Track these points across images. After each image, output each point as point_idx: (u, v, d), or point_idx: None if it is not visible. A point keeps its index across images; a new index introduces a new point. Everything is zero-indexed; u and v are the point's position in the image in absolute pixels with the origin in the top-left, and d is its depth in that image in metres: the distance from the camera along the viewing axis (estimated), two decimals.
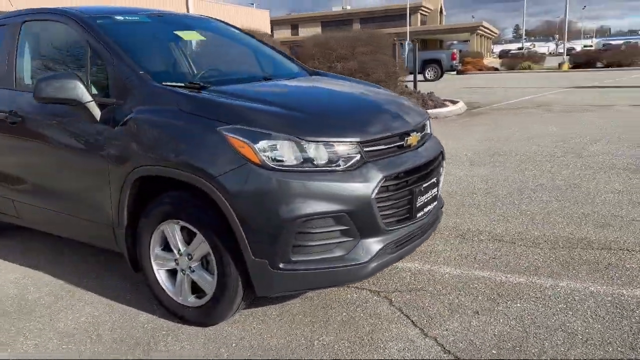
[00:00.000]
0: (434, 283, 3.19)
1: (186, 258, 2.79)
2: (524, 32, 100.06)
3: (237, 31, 4.15)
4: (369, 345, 2.57)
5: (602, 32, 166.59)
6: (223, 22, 4.19)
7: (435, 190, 3.06)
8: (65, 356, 2.65)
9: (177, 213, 2.73)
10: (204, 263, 2.79)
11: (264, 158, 2.45)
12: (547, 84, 19.84)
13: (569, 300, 2.91)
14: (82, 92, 2.88)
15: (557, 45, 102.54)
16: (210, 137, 2.55)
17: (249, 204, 2.45)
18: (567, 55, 35.91)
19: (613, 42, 75.84)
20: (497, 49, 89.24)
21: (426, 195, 2.92)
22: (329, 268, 2.55)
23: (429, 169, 2.95)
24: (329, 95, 3.27)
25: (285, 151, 2.48)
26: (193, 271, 2.79)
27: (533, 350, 2.45)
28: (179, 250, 2.80)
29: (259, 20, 34.55)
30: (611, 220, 4.12)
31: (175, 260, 2.85)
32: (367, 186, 2.54)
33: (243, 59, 3.90)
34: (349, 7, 62.85)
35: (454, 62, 26.48)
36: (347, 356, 2.49)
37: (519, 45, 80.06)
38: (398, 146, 2.81)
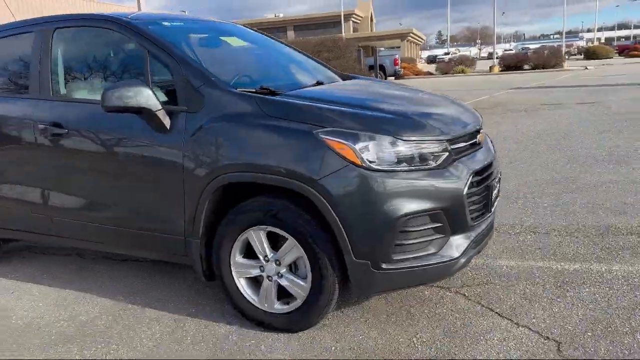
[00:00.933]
0: (497, 276, 3.30)
1: (274, 264, 2.75)
2: (448, 38, 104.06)
3: (265, 37, 4.13)
4: (469, 338, 2.63)
5: (517, 37, 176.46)
6: (250, 28, 4.15)
7: (499, 184, 3.18)
8: None
9: (266, 219, 2.68)
10: (292, 268, 2.76)
11: (365, 159, 2.47)
12: (490, 85, 20.80)
13: (630, 282, 3.10)
14: (153, 100, 2.78)
15: (479, 49, 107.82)
16: (307, 141, 2.53)
17: (352, 205, 2.46)
18: (496, 58, 37.72)
19: (530, 46, 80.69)
20: (424, 54, 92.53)
21: (496, 190, 3.04)
22: (425, 265, 2.59)
23: (495, 164, 3.07)
24: (397, 96, 3.31)
25: (384, 151, 2.51)
26: (281, 277, 2.75)
27: (624, 330, 2.60)
28: (266, 256, 2.76)
29: None
30: (624, 208, 4.42)
31: (261, 267, 2.79)
32: (459, 183, 2.61)
33: (284, 63, 3.87)
34: (281, 15, 63.09)
35: (397, 67, 27.23)
36: (452, 350, 2.54)
37: (445, 50, 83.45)
38: (472, 144, 2.90)
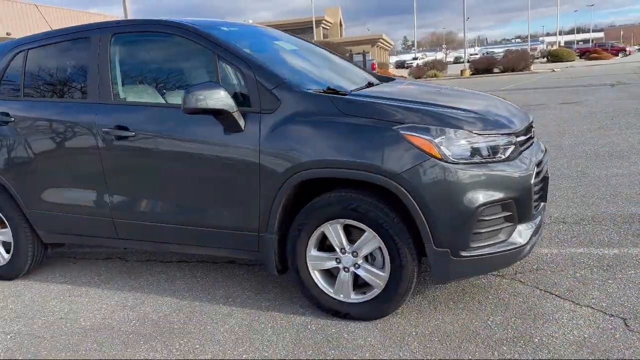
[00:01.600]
0: (545, 263, 3.50)
1: (351, 256, 2.87)
2: (415, 44, 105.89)
3: (304, 40, 4.27)
4: (540, 319, 2.81)
5: (480, 41, 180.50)
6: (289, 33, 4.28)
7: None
8: None
9: (346, 213, 2.80)
10: (369, 259, 2.89)
11: (444, 152, 2.63)
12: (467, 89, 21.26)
13: None
14: (230, 101, 2.89)
15: (446, 54, 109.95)
16: (387, 136, 2.68)
17: (434, 196, 2.62)
18: (467, 62, 38.59)
19: (495, 50, 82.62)
20: (392, 59, 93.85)
21: (548, 180, 3.24)
22: (498, 252, 2.76)
23: (545, 157, 3.27)
24: (453, 94, 3.48)
25: (460, 145, 2.68)
26: (358, 267, 2.88)
27: None
28: (342, 248, 2.88)
29: None
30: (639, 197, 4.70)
31: (337, 259, 2.92)
32: (528, 173, 2.80)
33: (330, 65, 4.00)
34: (250, 21, 63.06)
35: (374, 72, 27.57)
36: (528, 330, 2.71)
37: (413, 55, 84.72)
38: (528, 137, 3.10)
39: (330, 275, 3.02)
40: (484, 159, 2.70)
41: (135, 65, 3.50)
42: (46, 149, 3.54)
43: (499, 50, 76.31)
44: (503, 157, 2.76)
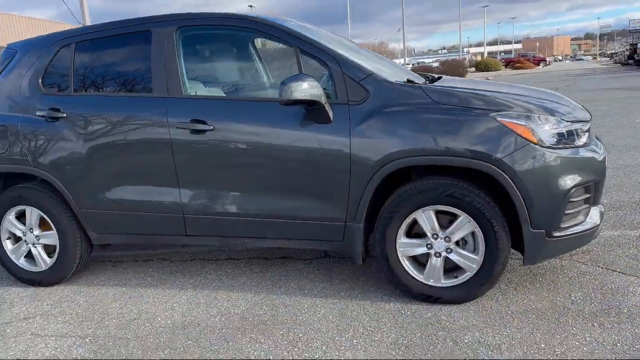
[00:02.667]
0: (601, 245, 3.72)
1: (443, 241, 2.98)
2: None
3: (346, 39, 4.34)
4: (617, 292, 3.03)
5: (408, 52, 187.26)
6: None
7: None
8: None
9: (441, 199, 2.91)
10: (460, 243, 3.01)
11: (540, 137, 2.81)
12: None
13: None
14: (322, 93, 2.93)
15: None
16: (486, 124, 2.82)
17: (532, 180, 2.78)
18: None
19: (425, 60, 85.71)
20: None
21: None
22: (581, 232, 2.97)
23: None
24: (522, 87, 3.63)
25: (552, 131, 2.86)
26: (450, 252, 2.99)
27: None
28: (435, 234, 2.98)
29: None
30: None
31: (428, 244, 3.01)
32: (603, 159, 3.03)
33: (382, 61, 4.08)
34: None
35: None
36: (612, 302, 2.92)
37: None
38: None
39: (416, 261, 3.11)
40: (568, 144, 2.90)
41: (204, 58, 3.45)
42: (106, 146, 3.40)
43: (429, 60, 79.33)
44: (580, 143, 2.97)
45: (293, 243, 3.31)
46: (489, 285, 2.99)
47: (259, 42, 3.31)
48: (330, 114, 2.99)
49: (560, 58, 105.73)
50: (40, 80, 3.59)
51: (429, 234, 3.00)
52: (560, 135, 2.88)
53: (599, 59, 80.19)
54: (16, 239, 3.79)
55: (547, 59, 67.03)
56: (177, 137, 3.24)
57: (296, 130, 3.06)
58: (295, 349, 2.71)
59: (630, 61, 30.47)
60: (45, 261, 3.70)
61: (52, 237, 3.65)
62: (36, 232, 3.67)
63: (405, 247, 3.05)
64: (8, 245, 3.77)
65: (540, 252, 2.91)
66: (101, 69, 3.56)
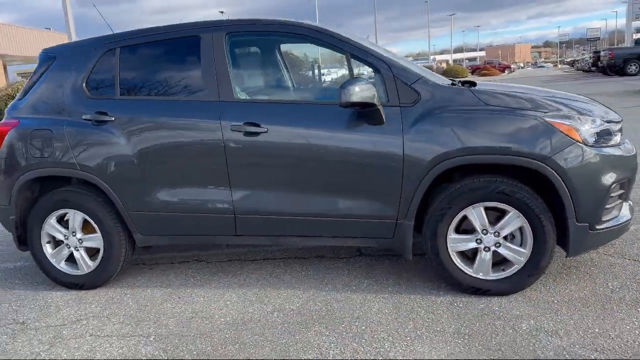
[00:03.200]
0: (623, 239, 3.90)
1: (492, 236, 3.15)
2: (319, 61, 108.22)
3: None
4: None
5: None
6: None
7: None
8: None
9: (492, 195, 3.08)
10: (508, 238, 3.18)
11: (584, 137, 3.02)
12: None
13: None
14: (377, 96, 3.07)
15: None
16: (535, 124, 3.01)
17: (578, 176, 2.98)
18: None
19: None
20: None
21: None
22: (617, 225, 3.19)
23: None
24: (558, 92, 3.83)
25: (593, 130, 3.08)
26: (499, 246, 3.16)
27: None
28: (485, 229, 3.15)
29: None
30: None
31: (477, 239, 3.18)
32: (635, 156, 3.26)
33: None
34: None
35: None
36: None
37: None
38: None
39: (464, 256, 3.27)
40: (606, 143, 3.12)
41: (252, 63, 3.54)
42: (156, 148, 3.45)
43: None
44: (616, 142, 3.19)
45: (343, 241, 3.43)
46: (536, 277, 3.17)
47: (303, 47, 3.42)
48: (384, 116, 3.13)
49: (522, 65, 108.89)
50: (84, 85, 3.62)
51: (478, 230, 3.16)
52: (598, 134, 3.09)
53: (559, 66, 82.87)
54: (56, 243, 3.79)
55: (512, 66, 68.90)
56: (230, 139, 3.32)
57: (349, 132, 3.19)
58: (363, 341, 2.82)
59: (593, 68, 31.64)
60: (87, 264, 3.71)
61: (96, 240, 3.67)
62: (79, 235, 3.68)
63: (455, 243, 3.20)
64: (48, 249, 3.76)
65: (583, 245, 3.12)
66: (148, 73, 3.61)
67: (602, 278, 3.36)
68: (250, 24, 3.49)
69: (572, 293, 3.19)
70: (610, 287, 3.23)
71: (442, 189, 3.20)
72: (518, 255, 3.14)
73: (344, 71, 3.67)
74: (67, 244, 3.72)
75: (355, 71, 3.41)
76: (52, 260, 3.76)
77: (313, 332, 2.95)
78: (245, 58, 3.51)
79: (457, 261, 3.23)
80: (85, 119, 3.55)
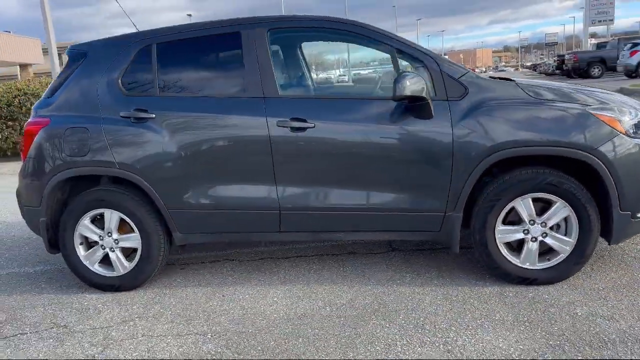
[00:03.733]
0: None
1: (539, 226, 3.24)
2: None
3: None
4: None
5: (343, 63, 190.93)
6: None
7: None
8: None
9: (541, 187, 3.16)
10: (554, 228, 3.26)
11: (626, 128, 3.14)
12: None
13: None
14: (427, 89, 3.13)
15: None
16: (582, 117, 3.12)
17: (623, 166, 3.09)
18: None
19: (361, 72, 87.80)
20: None
21: None
22: None
23: None
24: (577, 86, 3.96)
25: (631, 122, 3.20)
26: (545, 236, 3.25)
27: None
28: (532, 220, 3.23)
29: (29, 50, 31.25)
30: None
31: (525, 230, 3.25)
32: None
33: None
34: None
35: None
36: None
37: None
38: None
39: (509, 246, 3.34)
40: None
41: (295, 59, 3.54)
42: (199, 146, 3.41)
43: (364, 72, 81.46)
44: None
45: (389, 235, 3.46)
46: (581, 265, 3.27)
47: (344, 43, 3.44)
48: (433, 110, 3.18)
49: (484, 69, 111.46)
50: (119, 82, 3.54)
51: (526, 220, 3.24)
52: (636, 125, 3.22)
53: (520, 69, 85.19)
54: (88, 244, 3.69)
55: (476, 70, 70.48)
56: (277, 135, 3.31)
57: (398, 125, 3.23)
58: (426, 331, 2.85)
59: (557, 71, 32.69)
60: (124, 265, 3.63)
61: (133, 240, 3.59)
62: (115, 235, 3.60)
63: (503, 234, 3.27)
64: (81, 251, 3.66)
65: (625, 233, 3.23)
66: (187, 70, 3.57)
67: (637, 265, 3.49)
68: (292, 21, 3.50)
69: (614, 280, 3.30)
70: None
71: (489, 182, 3.26)
72: (564, 244, 3.23)
73: (379, 68, 3.72)
74: (102, 245, 3.62)
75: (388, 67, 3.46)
76: (86, 262, 3.66)
77: (372, 324, 2.97)
78: (287, 54, 3.50)
79: (505, 252, 3.29)
80: (123, 117, 3.47)
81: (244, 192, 3.44)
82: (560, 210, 3.19)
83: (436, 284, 3.44)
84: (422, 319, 2.99)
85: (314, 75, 3.52)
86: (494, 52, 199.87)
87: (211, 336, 2.97)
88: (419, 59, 3.29)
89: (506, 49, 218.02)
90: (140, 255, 3.59)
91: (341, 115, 3.29)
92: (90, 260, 3.66)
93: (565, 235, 3.24)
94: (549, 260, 3.29)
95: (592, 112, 3.12)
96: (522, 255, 3.28)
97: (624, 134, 3.12)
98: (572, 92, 3.29)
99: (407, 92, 3.03)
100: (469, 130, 3.16)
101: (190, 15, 49.48)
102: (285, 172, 3.37)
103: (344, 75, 3.58)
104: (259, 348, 2.81)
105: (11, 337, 3.14)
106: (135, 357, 2.81)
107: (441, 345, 2.71)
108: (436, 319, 2.98)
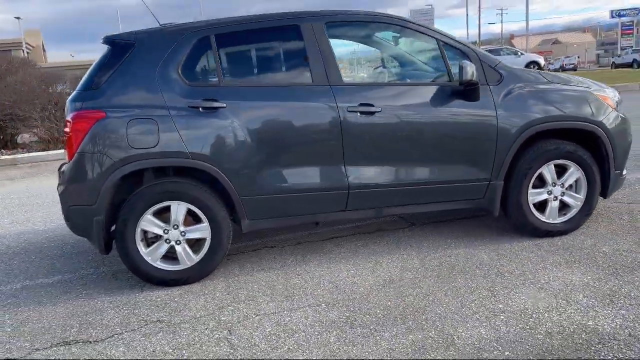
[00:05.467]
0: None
1: (559, 187, 3.98)
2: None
3: None
4: None
5: None
6: None
7: None
8: None
9: (560, 154, 3.89)
10: (569, 187, 4.02)
11: (615, 104, 4.03)
12: None
13: None
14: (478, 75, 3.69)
15: None
16: (589, 97, 3.93)
17: (617, 134, 3.96)
18: None
19: None
20: None
21: None
22: (625, 175, 4.26)
23: None
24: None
25: (616, 100, 4.11)
26: (563, 195, 4.00)
27: None
28: (554, 182, 3.96)
29: None
30: None
31: (549, 191, 3.97)
32: None
33: None
34: None
35: None
36: None
37: None
38: None
39: (534, 206, 4.02)
40: (621, 111, 4.16)
41: (351, 50, 3.85)
42: (271, 133, 3.55)
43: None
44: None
45: (442, 205, 3.95)
46: (588, 216, 4.07)
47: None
48: (479, 94, 3.74)
49: None
50: (180, 72, 3.53)
51: (549, 183, 3.95)
52: (617, 102, 4.12)
53: None
54: (147, 240, 3.60)
55: None
56: (347, 119, 3.60)
57: (453, 107, 3.74)
58: (509, 277, 3.37)
59: None
60: (191, 257, 3.60)
61: (202, 231, 3.59)
62: (182, 227, 3.57)
63: (533, 196, 3.95)
64: (142, 247, 3.56)
65: (615, 187, 4.11)
66: (248, 60, 3.70)
67: (620, 213, 4.41)
68: (348, 15, 3.81)
69: (615, 227, 4.15)
70: None
71: (523, 153, 3.90)
72: (577, 200, 4.00)
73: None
74: (166, 239, 3.56)
75: (423, 57, 3.96)
76: (148, 259, 3.56)
77: (461, 278, 3.42)
78: (345, 45, 3.79)
79: (534, 211, 3.97)
80: (191, 107, 3.48)
81: (314, 174, 3.66)
82: (574, 173, 3.95)
83: (478, 245, 3.99)
84: (495, 270, 3.52)
85: (374, 63, 3.89)
86: None
87: (326, 305, 3.17)
88: (460, 49, 3.83)
89: None
90: (210, 245, 3.60)
91: (403, 99, 3.71)
92: (153, 256, 3.57)
93: (577, 193, 4.01)
94: (564, 214, 4.03)
95: (594, 92, 3.94)
96: (547, 212, 3.99)
97: (614, 109, 3.98)
98: (570, 78, 4.10)
99: (469, 78, 3.54)
100: (508, 111, 3.78)
101: (18, 17, 44.62)
102: (354, 154, 3.67)
103: (379, 66, 3.88)
104: (382, 307, 3.09)
105: (107, 338, 3.00)
106: (268, 332, 2.91)
107: (533, 284, 3.25)
108: (507, 268, 3.52)
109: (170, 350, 2.81)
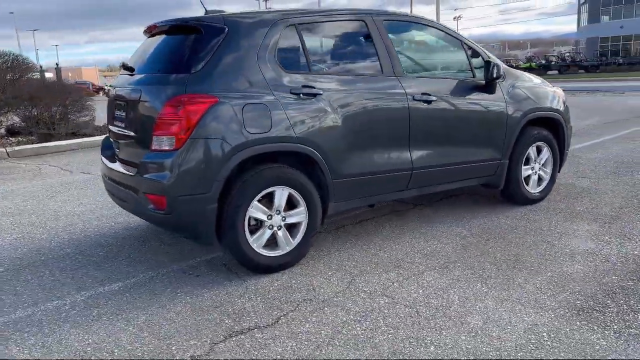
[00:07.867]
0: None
1: (537, 164, 5.08)
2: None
3: None
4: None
5: None
6: None
7: None
8: None
9: (540, 138, 4.98)
10: (543, 164, 5.13)
11: (564, 98, 5.32)
12: None
13: None
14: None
15: None
16: (553, 92, 5.12)
17: (567, 121, 5.23)
18: None
19: None
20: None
21: None
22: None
23: None
24: None
25: (561, 93, 5.40)
26: (539, 170, 5.11)
27: None
28: (535, 160, 5.04)
29: None
30: None
31: (531, 167, 5.03)
32: None
33: None
34: None
35: None
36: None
37: None
38: None
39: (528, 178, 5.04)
40: None
41: (408, 47, 4.38)
42: (360, 118, 3.81)
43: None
44: None
45: (468, 182, 4.68)
46: (553, 185, 5.24)
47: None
48: (496, 87, 4.61)
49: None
50: (276, 59, 3.60)
51: (532, 160, 5.01)
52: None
53: None
54: (250, 228, 3.55)
55: (105, 87, 68.46)
56: (414, 107, 4.10)
57: (480, 99, 4.53)
58: (549, 236, 4.26)
59: None
60: (290, 242, 3.67)
61: (299, 215, 3.66)
62: (283, 212, 3.62)
63: (524, 172, 4.96)
64: (248, 235, 3.51)
65: (564, 162, 5.38)
66: (326, 50, 3.91)
67: (568, 192, 5.72)
68: (397, 15, 4.31)
69: (575, 204, 5.41)
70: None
71: (519, 137, 4.86)
72: (547, 175, 5.15)
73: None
74: (270, 225, 3.57)
75: (441, 57, 4.71)
76: (254, 246, 3.52)
77: (517, 238, 4.18)
78: (400, 42, 4.23)
79: (524, 184, 4.98)
80: (294, 93, 3.58)
81: (389, 157, 4.05)
82: (546, 152, 5.09)
83: (485, 214, 4.83)
84: (533, 231, 4.35)
85: (421, 59, 4.43)
86: (100, 70, 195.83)
87: (440, 268, 3.63)
88: (476, 51, 4.63)
89: (110, 68, 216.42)
90: (307, 229, 3.71)
91: (448, 91, 4.35)
92: (257, 243, 3.54)
93: (546, 168, 5.15)
94: (540, 185, 5.14)
95: (554, 89, 5.14)
96: (530, 184, 5.04)
97: (564, 101, 5.25)
98: (536, 76, 5.25)
99: (495, 74, 4.37)
100: (512, 102, 4.71)
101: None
102: (417, 138, 4.17)
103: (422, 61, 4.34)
104: (492, 261, 3.68)
105: (274, 323, 2.98)
106: (439, 285, 3.27)
107: (568, 234, 4.19)
108: (540, 230, 4.39)
109: (351, 320, 2.97)
